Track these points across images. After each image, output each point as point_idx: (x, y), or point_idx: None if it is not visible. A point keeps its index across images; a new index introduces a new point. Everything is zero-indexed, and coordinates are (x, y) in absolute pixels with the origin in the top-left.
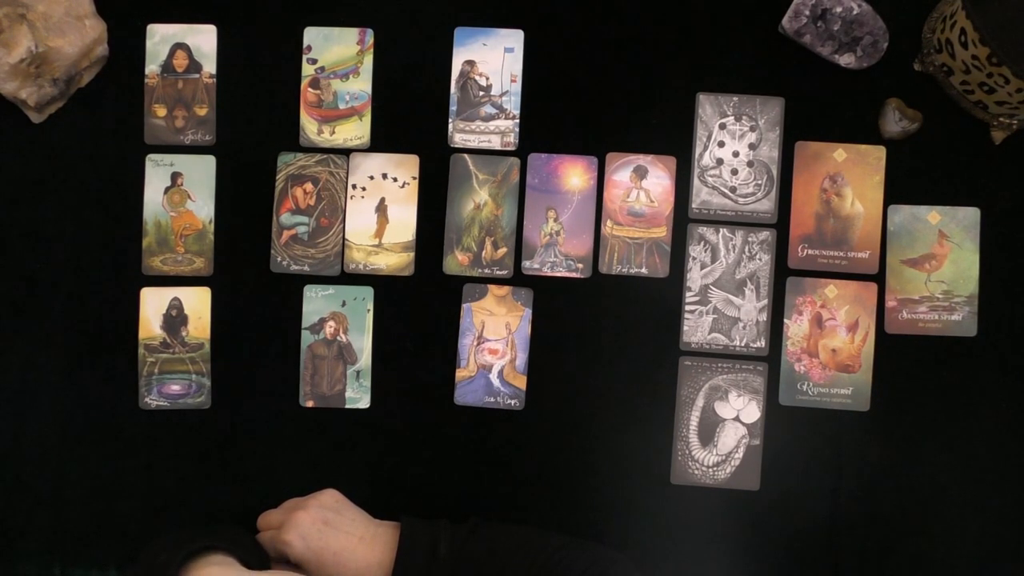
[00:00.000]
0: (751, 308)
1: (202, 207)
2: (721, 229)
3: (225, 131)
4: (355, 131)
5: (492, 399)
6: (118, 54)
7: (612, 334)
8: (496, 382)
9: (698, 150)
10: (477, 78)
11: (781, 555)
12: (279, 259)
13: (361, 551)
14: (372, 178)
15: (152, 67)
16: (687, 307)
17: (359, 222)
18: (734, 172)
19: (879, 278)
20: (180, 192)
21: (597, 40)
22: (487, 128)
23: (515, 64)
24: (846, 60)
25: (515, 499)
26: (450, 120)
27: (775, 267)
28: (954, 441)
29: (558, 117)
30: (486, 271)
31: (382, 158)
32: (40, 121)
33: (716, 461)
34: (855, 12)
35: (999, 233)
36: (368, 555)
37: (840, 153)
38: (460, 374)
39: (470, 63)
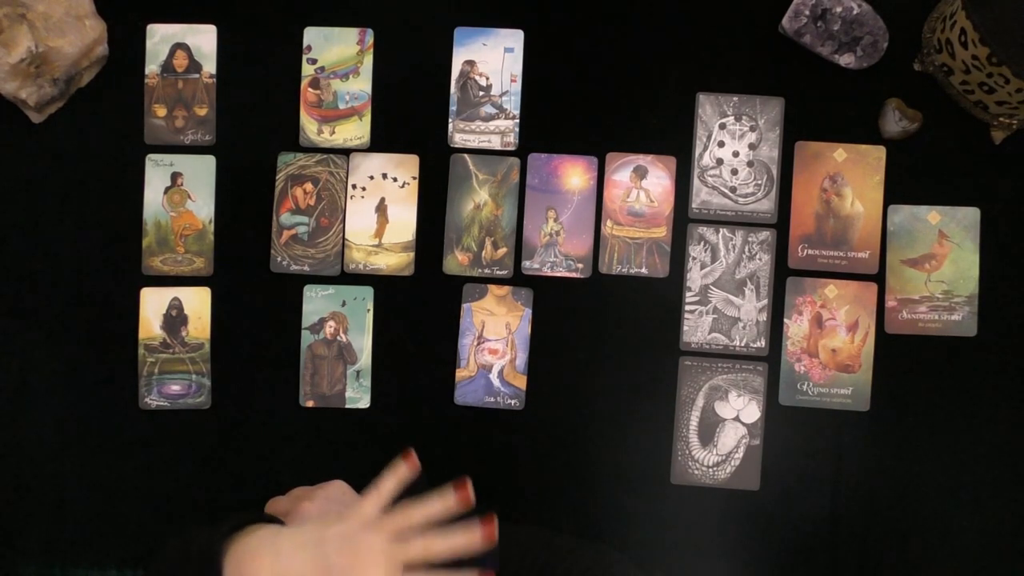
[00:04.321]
0: (751, 308)
1: (202, 207)
2: (721, 229)
3: (225, 131)
4: (355, 131)
5: (492, 399)
6: (118, 54)
7: (612, 334)
8: (496, 382)
9: (698, 150)
10: (477, 78)
11: (781, 555)
12: (279, 259)
13: None
14: (372, 178)
15: (152, 67)
16: (687, 307)
17: (359, 222)
18: (734, 172)
19: (879, 278)
20: (180, 192)
21: (597, 40)
22: (487, 128)
23: (515, 64)
24: (846, 60)
25: (515, 499)
26: (450, 120)
27: (775, 267)
28: (954, 441)
29: (558, 117)
30: (486, 271)
31: (382, 158)
32: (40, 121)
33: (716, 461)
34: (855, 12)
35: (999, 233)
36: None
37: (840, 153)
38: (460, 374)
39: (470, 63)
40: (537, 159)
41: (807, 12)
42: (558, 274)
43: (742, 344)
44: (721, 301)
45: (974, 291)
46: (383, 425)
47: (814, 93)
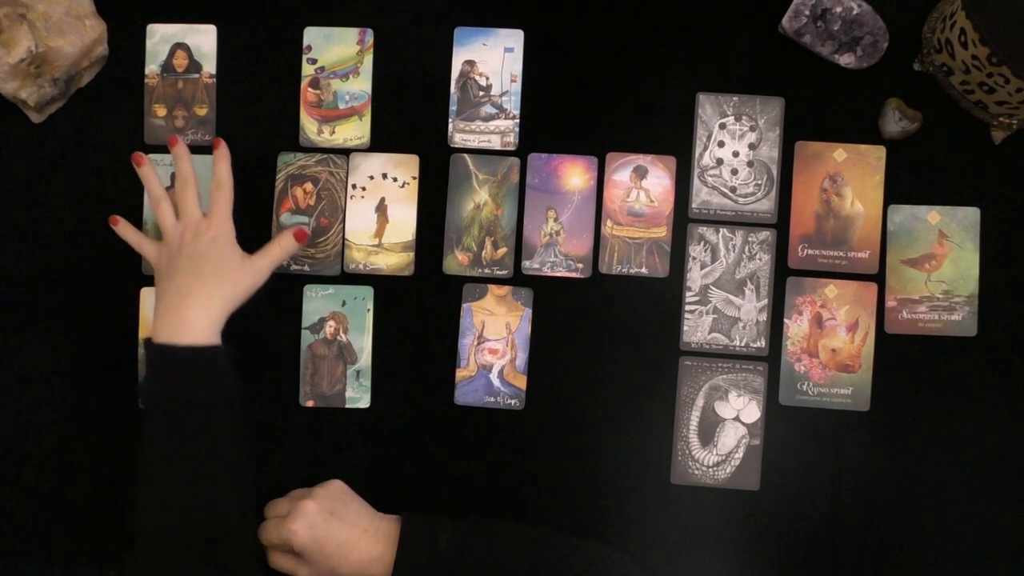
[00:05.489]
0: (751, 308)
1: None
2: (721, 229)
3: (225, 131)
4: (355, 131)
5: (492, 399)
6: (118, 54)
7: (612, 334)
8: (496, 382)
9: (698, 150)
10: (477, 78)
11: (781, 555)
12: None
13: (364, 543)
14: (372, 178)
15: (152, 67)
16: (687, 307)
17: (359, 222)
18: (734, 172)
19: (879, 278)
20: None
21: (597, 40)
22: (487, 128)
23: (515, 64)
24: (846, 60)
25: (515, 499)
26: (450, 120)
27: (775, 267)
28: (954, 441)
29: (558, 117)
30: (486, 271)
31: (382, 158)
32: (40, 121)
33: (716, 461)
34: (855, 12)
35: (999, 233)
36: (371, 548)
37: (840, 153)
38: (460, 374)
39: (470, 63)
40: (537, 159)
41: (807, 12)
42: (558, 274)
43: (742, 344)
44: (721, 301)
45: (974, 291)
46: (383, 425)
47: (814, 93)
